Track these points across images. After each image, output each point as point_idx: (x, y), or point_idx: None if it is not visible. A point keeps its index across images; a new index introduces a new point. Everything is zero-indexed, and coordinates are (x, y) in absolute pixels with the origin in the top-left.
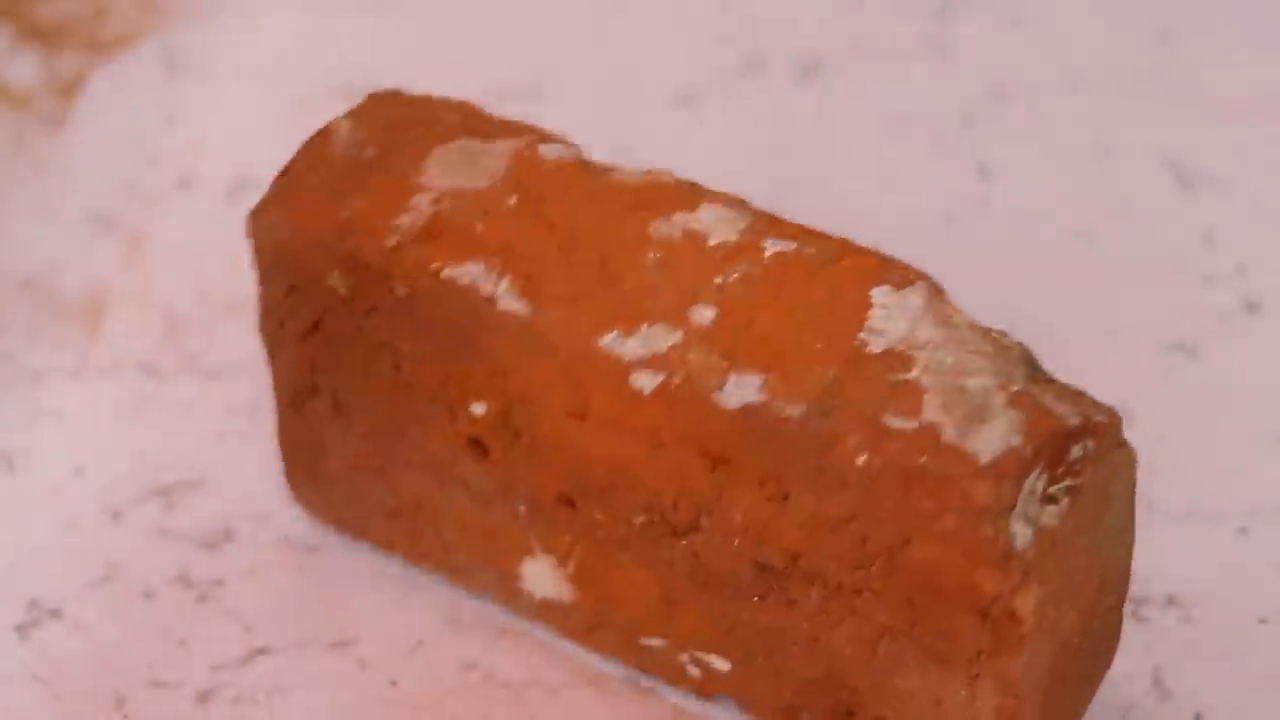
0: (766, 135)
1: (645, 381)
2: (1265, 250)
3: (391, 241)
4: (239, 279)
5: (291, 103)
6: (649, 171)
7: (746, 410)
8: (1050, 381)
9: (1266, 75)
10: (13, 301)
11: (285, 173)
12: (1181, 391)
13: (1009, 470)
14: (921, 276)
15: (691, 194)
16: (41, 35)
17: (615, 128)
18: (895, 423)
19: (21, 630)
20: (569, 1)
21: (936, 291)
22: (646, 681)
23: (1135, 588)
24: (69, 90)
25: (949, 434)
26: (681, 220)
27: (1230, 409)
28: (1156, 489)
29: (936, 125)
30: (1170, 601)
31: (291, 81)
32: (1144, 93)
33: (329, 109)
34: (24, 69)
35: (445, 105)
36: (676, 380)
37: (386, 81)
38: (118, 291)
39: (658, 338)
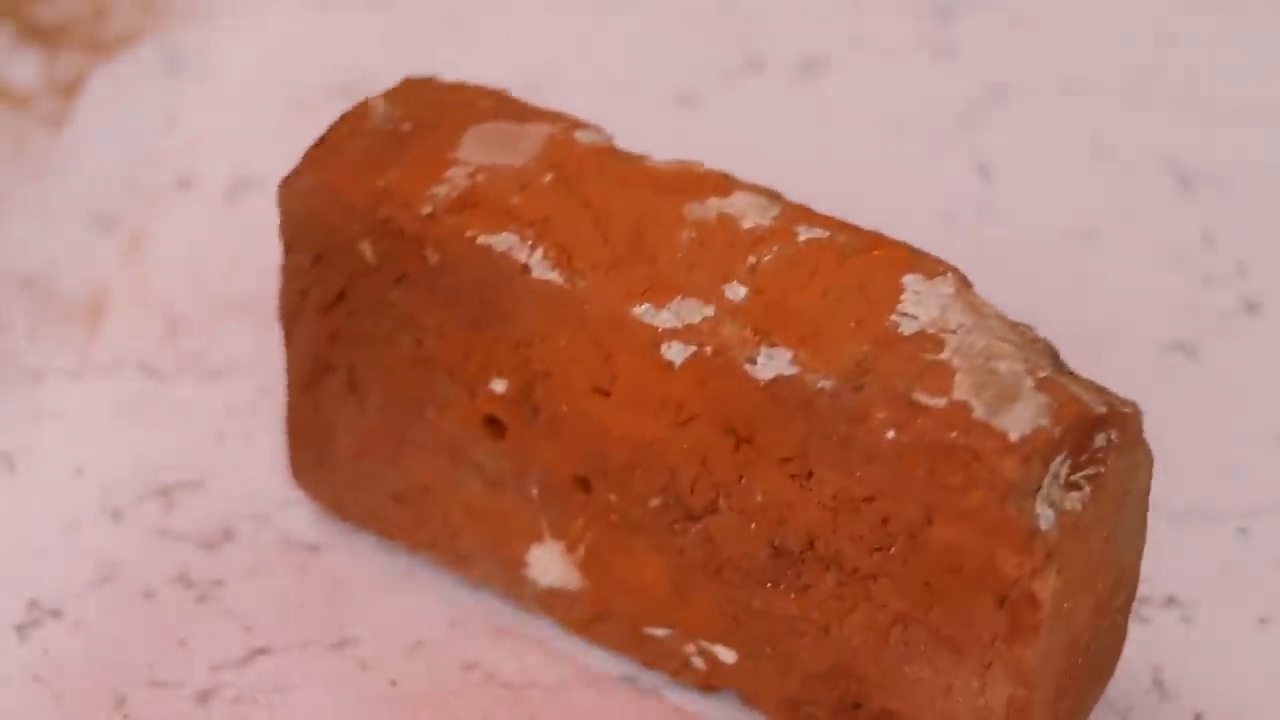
0: (766, 135)
1: (676, 353)
2: (1265, 250)
3: (426, 209)
4: (239, 279)
5: (291, 103)
6: (682, 160)
7: (778, 382)
8: (1073, 375)
9: (1266, 75)
10: (13, 301)
11: (320, 142)
12: (1181, 391)
13: (1038, 449)
14: (950, 269)
15: (724, 182)
16: (41, 35)
17: (615, 128)
18: (925, 399)
19: (21, 630)
20: (569, 1)
21: (965, 284)
22: (647, 682)
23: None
24: (69, 90)
25: (979, 412)
26: (715, 204)
27: (1230, 409)
28: (1157, 489)
29: (936, 125)
30: (1170, 601)
31: (291, 81)
32: (1144, 93)
33: (329, 109)
34: (24, 69)
35: (479, 91)
36: (708, 351)
37: (386, 81)
38: (118, 291)
39: (690, 310)
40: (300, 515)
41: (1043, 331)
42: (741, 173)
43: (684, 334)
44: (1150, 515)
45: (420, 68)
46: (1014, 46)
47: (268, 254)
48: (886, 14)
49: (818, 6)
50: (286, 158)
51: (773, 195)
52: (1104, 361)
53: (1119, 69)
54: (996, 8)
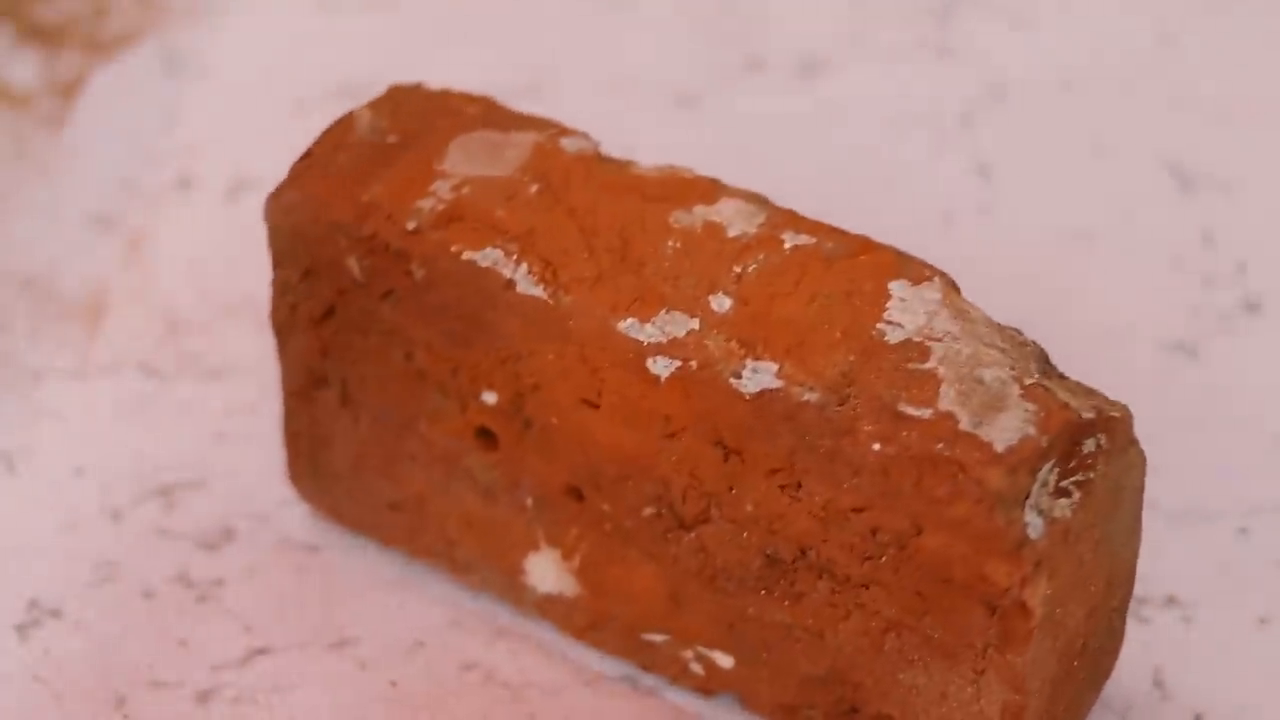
0: (766, 135)
1: (662, 367)
2: (1265, 250)
3: (411, 225)
4: (239, 279)
5: (291, 103)
6: (669, 166)
7: (763, 396)
8: (1063, 378)
9: (1266, 75)
10: (13, 301)
11: (306, 156)
12: (1181, 391)
13: (1024, 459)
14: (938, 273)
15: (711, 188)
16: (41, 35)
17: (615, 128)
18: (911, 411)
19: (21, 630)
20: (569, 1)
21: (952, 288)
22: (646, 681)
23: (1135, 588)
24: (69, 90)
25: (965, 423)
26: (702, 212)
27: (1230, 409)
28: (1156, 489)
29: (936, 125)
30: (1170, 601)
31: (291, 81)
32: (1144, 93)
33: (329, 109)
34: (24, 69)
35: (465, 98)
36: (694, 366)
37: (386, 82)
38: (118, 291)
39: (676, 324)
40: (299, 515)
41: (1042, 332)
42: (741, 173)
43: (669, 348)
44: (1149, 515)
45: (420, 69)
46: (1014, 46)
47: (268, 254)
48: (886, 14)
49: (818, 6)
50: (286, 158)
51: (760, 200)
52: (1103, 362)
53: (1119, 69)
54: (996, 8)
